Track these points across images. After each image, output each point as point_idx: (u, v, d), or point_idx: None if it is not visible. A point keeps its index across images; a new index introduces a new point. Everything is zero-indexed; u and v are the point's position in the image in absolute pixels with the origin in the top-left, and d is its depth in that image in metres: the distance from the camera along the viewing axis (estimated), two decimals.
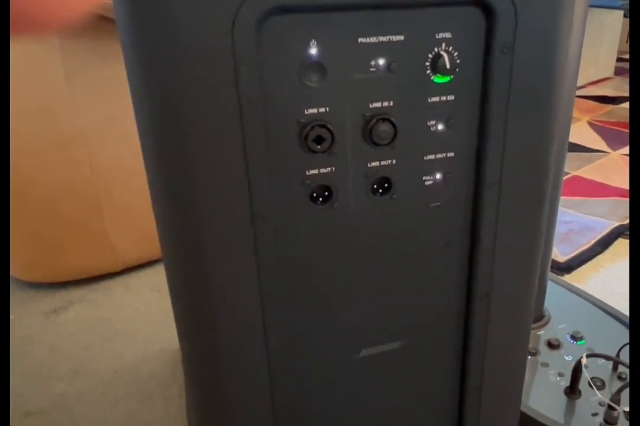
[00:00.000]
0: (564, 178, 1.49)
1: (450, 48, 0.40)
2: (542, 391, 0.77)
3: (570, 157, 1.76)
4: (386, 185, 0.42)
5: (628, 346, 0.81)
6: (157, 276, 1.26)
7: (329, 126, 0.39)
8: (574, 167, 1.76)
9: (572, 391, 0.76)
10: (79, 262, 1.21)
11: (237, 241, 0.40)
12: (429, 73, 0.40)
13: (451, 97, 0.41)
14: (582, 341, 0.86)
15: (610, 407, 0.70)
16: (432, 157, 0.43)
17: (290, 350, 0.45)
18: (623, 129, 2.08)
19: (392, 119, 0.40)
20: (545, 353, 0.84)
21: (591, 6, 1.56)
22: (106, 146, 1.12)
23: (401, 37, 0.38)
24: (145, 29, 0.35)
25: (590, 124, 2.16)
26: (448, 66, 0.40)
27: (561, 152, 0.82)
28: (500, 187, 0.44)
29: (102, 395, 0.94)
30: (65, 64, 1.02)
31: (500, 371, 0.52)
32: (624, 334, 0.87)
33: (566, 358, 0.82)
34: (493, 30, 0.39)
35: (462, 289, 0.48)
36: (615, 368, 0.80)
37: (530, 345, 0.83)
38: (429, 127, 0.42)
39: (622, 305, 0.96)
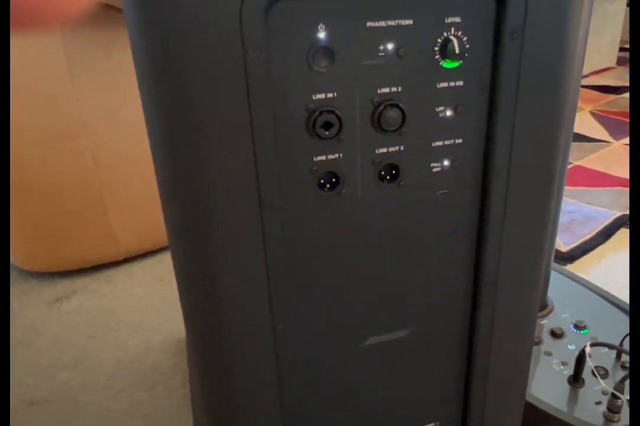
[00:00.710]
0: None
1: (460, 33, 0.39)
2: (545, 380, 0.77)
3: (573, 147, 1.75)
4: (394, 172, 0.42)
5: None
6: (160, 266, 1.26)
7: (337, 111, 0.38)
8: (576, 157, 1.75)
9: (576, 380, 0.76)
10: (81, 252, 1.21)
11: (245, 229, 0.39)
12: (438, 58, 0.40)
13: (460, 83, 0.41)
14: (586, 330, 0.86)
15: (613, 396, 0.70)
16: (440, 143, 0.42)
17: (297, 337, 0.45)
18: (625, 119, 2.07)
19: (401, 105, 0.40)
20: (548, 342, 0.84)
21: None
22: (108, 137, 1.12)
23: (410, 22, 0.38)
24: (152, 15, 0.35)
25: (593, 113, 2.15)
26: (457, 51, 0.39)
27: (566, 141, 0.81)
28: (508, 175, 0.44)
29: (106, 384, 0.95)
30: (67, 54, 1.02)
31: (506, 359, 0.52)
32: (627, 324, 0.87)
33: (569, 347, 0.82)
34: (503, 16, 0.39)
35: (468, 277, 0.48)
36: (618, 357, 0.80)
37: None
38: (438, 113, 0.41)
39: (625, 294, 0.96)
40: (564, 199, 1.33)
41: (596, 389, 0.75)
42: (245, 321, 0.42)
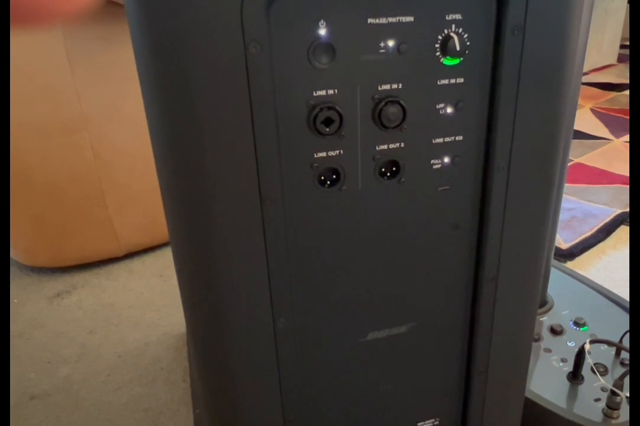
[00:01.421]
0: None
1: (461, 30, 0.39)
2: (545, 376, 0.77)
3: (573, 145, 1.75)
4: (394, 168, 0.42)
5: None
6: (161, 261, 1.27)
7: (337, 108, 0.39)
8: (576, 154, 1.75)
9: (575, 376, 0.76)
10: (81, 247, 1.21)
11: (246, 224, 0.39)
12: (438, 55, 0.40)
13: (460, 80, 0.41)
14: (585, 327, 0.86)
15: (613, 393, 0.70)
16: (440, 140, 0.42)
17: (298, 332, 0.45)
18: (626, 117, 2.07)
19: (401, 102, 0.40)
20: (548, 338, 0.84)
21: None
22: (109, 131, 1.12)
23: (411, 19, 0.38)
24: (154, 10, 0.35)
25: (593, 111, 2.15)
26: (458, 48, 0.39)
27: (566, 138, 0.81)
28: (508, 172, 0.44)
29: (106, 379, 0.95)
30: (68, 47, 1.02)
31: (506, 354, 0.52)
32: (626, 321, 0.87)
33: (569, 344, 0.83)
34: (504, 12, 0.39)
35: (469, 273, 0.48)
36: (617, 354, 0.80)
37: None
38: (438, 110, 0.41)
39: (625, 292, 0.96)
40: (564, 196, 1.33)
41: (595, 386, 0.75)
42: (246, 316, 0.43)
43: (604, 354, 0.80)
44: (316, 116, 0.38)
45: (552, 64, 0.41)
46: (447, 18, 0.39)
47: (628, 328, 0.82)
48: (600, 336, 0.83)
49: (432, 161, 0.43)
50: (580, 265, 1.23)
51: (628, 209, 1.42)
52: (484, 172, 0.44)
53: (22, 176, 1.09)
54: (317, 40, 0.37)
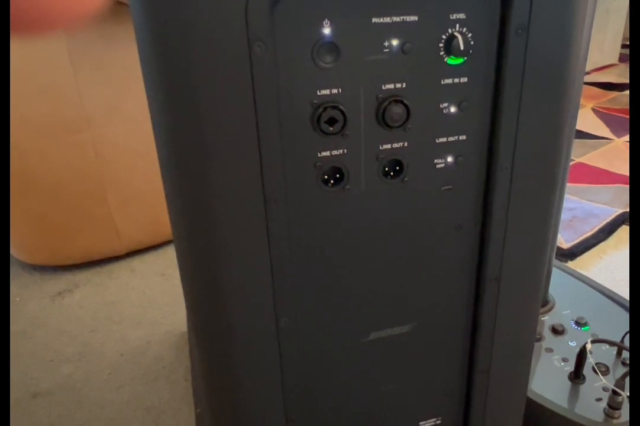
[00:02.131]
0: None
1: (465, 29, 0.39)
2: (546, 376, 0.77)
3: (575, 144, 1.75)
4: (398, 168, 0.42)
5: None
6: (162, 260, 1.27)
7: (341, 107, 0.39)
8: (578, 154, 1.75)
9: (577, 376, 0.76)
10: (83, 245, 1.21)
11: (249, 224, 0.40)
12: (442, 55, 0.40)
13: (464, 80, 0.41)
14: (586, 327, 0.86)
15: (614, 392, 0.70)
16: (444, 140, 0.42)
17: (300, 332, 0.45)
18: (627, 116, 2.07)
19: (405, 101, 0.40)
20: (549, 338, 0.84)
21: None
22: (111, 130, 1.12)
23: (415, 18, 0.38)
24: (158, 9, 0.35)
25: (595, 110, 2.15)
26: (462, 48, 0.39)
27: (568, 138, 0.81)
28: (512, 171, 0.44)
29: (108, 377, 0.95)
30: (70, 46, 1.02)
31: (508, 354, 0.52)
32: (627, 320, 0.87)
33: (570, 343, 0.83)
34: (508, 12, 0.39)
35: (472, 272, 0.48)
36: (619, 353, 0.80)
37: None
38: (442, 109, 0.41)
39: (626, 292, 0.96)
40: (566, 196, 1.33)
41: (597, 385, 0.75)
42: (248, 315, 0.43)
43: (605, 354, 0.80)
44: (320, 115, 0.38)
45: (555, 64, 0.41)
46: (451, 17, 0.39)
47: (629, 328, 0.82)
48: (601, 336, 0.83)
49: (435, 161, 0.43)
50: (582, 265, 1.23)
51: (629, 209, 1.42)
52: (487, 172, 0.44)
53: (24, 174, 1.09)
54: (321, 40, 0.37)
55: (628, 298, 0.92)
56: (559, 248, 1.26)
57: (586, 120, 2.04)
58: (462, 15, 0.39)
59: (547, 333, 0.85)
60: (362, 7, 0.37)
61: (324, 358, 0.48)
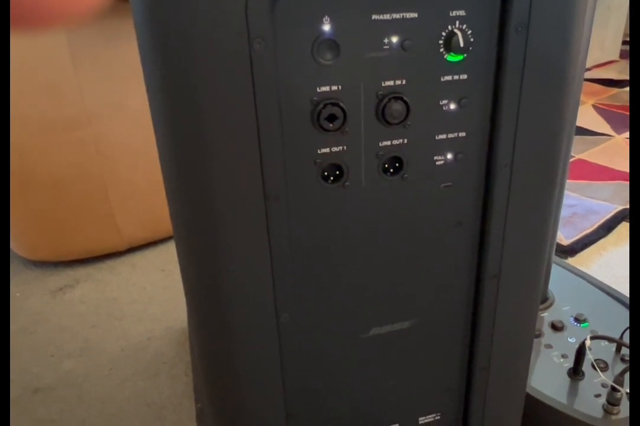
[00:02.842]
0: None
1: (464, 26, 0.39)
2: (545, 372, 0.77)
3: (575, 141, 1.75)
4: (397, 164, 0.42)
5: None
6: (163, 256, 1.27)
7: (341, 104, 0.39)
8: (578, 151, 1.75)
9: (576, 372, 0.76)
10: (84, 241, 1.22)
11: (250, 220, 0.40)
12: (442, 51, 0.40)
13: (464, 76, 0.41)
14: (586, 324, 0.86)
15: (613, 388, 0.70)
16: (443, 137, 0.43)
17: (300, 328, 0.45)
18: (628, 113, 2.06)
19: (405, 98, 0.40)
20: (549, 334, 0.84)
21: None
22: (112, 127, 1.12)
23: (415, 15, 0.38)
24: (159, 6, 0.35)
25: (595, 107, 2.15)
26: (462, 45, 0.39)
27: (569, 134, 0.81)
28: (511, 168, 0.44)
29: (109, 372, 0.95)
30: (70, 43, 1.02)
31: (507, 350, 0.52)
32: (626, 317, 0.87)
33: (569, 340, 0.83)
34: (508, 9, 0.39)
35: (471, 269, 0.48)
36: (618, 350, 0.80)
37: None
38: (442, 106, 0.41)
39: (625, 288, 0.96)
40: (566, 192, 1.33)
41: (596, 382, 0.75)
42: (249, 311, 0.43)
43: (605, 350, 0.80)
44: (320, 112, 0.38)
45: (555, 61, 0.41)
46: (451, 14, 0.39)
47: (628, 324, 0.83)
48: (600, 333, 0.83)
49: (435, 158, 0.43)
50: (581, 261, 1.23)
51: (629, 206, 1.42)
52: (487, 168, 0.45)
53: (26, 171, 1.09)
54: (321, 37, 0.37)
55: (628, 295, 0.92)
56: (559, 245, 1.26)
57: (586, 116, 2.04)
58: (462, 12, 0.39)
59: (546, 329, 0.85)
60: (362, 4, 0.37)
61: (324, 353, 0.48)
